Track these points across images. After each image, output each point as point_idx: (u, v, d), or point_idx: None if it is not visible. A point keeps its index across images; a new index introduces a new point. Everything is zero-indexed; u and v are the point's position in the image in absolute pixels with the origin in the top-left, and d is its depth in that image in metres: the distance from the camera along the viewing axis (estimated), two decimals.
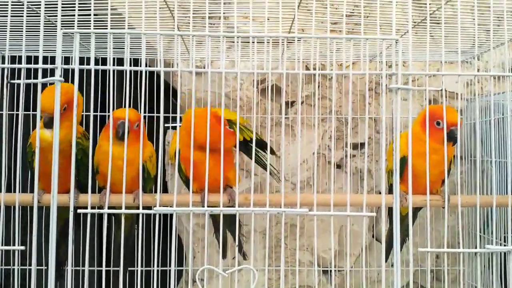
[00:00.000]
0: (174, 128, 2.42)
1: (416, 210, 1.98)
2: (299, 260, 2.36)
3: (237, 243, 1.84)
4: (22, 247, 1.09)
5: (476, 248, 2.19)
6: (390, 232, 1.83)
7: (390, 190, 1.72)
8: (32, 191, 1.66)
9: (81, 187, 1.72)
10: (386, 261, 2.05)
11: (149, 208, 1.20)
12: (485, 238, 2.19)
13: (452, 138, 1.60)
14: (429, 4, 1.34)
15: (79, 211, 1.12)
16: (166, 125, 2.41)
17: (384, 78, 1.03)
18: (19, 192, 1.27)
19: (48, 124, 1.58)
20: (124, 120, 1.50)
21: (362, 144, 2.40)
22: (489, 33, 1.80)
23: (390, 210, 1.71)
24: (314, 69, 2.01)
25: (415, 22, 1.72)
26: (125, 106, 1.16)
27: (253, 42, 1.18)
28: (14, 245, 1.11)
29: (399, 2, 1.56)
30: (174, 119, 2.34)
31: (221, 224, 1.18)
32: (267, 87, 2.27)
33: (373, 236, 2.44)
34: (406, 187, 1.39)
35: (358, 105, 2.31)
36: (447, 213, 1.13)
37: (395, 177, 1.05)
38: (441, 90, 1.17)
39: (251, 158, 1.33)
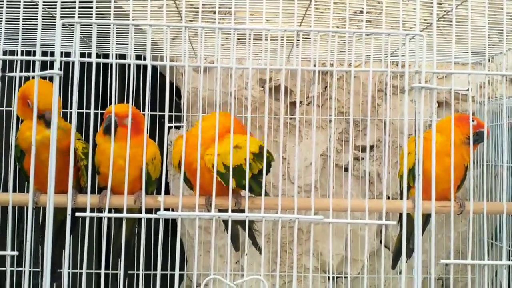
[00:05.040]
0: (177, 127, 2.35)
1: (428, 216, 1.91)
2: (304, 266, 2.29)
3: (242, 239, 1.78)
4: (15, 252, 1.01)
5: (487, 255, 2.12)
6: (400, 239, 1.77)
7: (401, 196, 1.66)
8: (25, 190, 1.58)
9: (81, 188, 1.66)
10: (393, 268, 1.99)
11: (151, 211, 1.13)
12: (497, 246, 2.12)
13: (480, 136, 1.64)
14: (443, 4, 1.28)
15: (77, 214, 1.04)
16: (169, 124, 2.33)
17: (406, 76, 0.97)
18: (13, 191, 1.19)
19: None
20: (110, 115, 1.46)
21: (371, 147, 2.33)
22: (502, 35, 1.74)
23: (399, 216, 1.65)
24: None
25: (428, 23, 1.66)
26: (128, 103, 1.10)
27: (266, 40, 1.11)
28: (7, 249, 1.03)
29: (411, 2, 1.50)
30: (177, 118, 2.27)
31: (230, 226, 1.12)
32: (276, 85, 2.20)
33: (380, 242, 2.37)
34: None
35: (368, 106, 2.24)
36: (471, 221, 1.06)
37: (417, 181, 0.98)
38: (468, 90, 1.10)
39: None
